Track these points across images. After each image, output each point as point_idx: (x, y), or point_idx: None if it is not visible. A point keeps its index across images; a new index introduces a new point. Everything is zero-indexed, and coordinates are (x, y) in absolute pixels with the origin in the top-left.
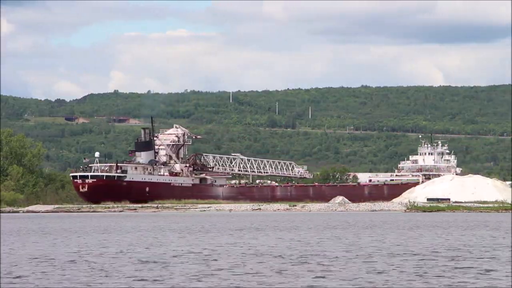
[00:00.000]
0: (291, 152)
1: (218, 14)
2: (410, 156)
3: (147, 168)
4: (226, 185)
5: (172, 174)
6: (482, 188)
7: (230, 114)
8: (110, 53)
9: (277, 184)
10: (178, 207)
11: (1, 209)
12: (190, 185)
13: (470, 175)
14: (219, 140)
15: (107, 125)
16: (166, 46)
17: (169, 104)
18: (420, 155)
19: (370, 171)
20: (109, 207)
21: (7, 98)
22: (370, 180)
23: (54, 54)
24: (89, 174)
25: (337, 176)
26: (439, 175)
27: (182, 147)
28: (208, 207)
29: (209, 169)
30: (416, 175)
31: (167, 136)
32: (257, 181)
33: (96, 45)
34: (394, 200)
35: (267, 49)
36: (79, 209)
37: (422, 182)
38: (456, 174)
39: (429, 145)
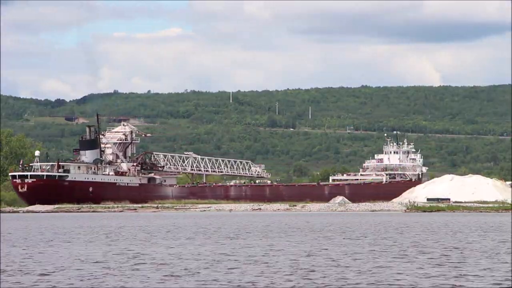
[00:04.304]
0: (291, 152)
1: (198, 13)
2: (375, 155)
3: (91, 168)
4: (175, 185)
5: (118, 173)
6: (482, 188)
7: (230, 114)
8: (98, 52)
9: (231, 183)
10: (178, 207)
11: (1, 209)
12: (137, 185)
13: (470, 175)
14: (219, 140)
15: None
16: (158, 46)
17: (169, 104)
18: (386, 154)
19: None
20: (109, 207)
21: (7, 98)
22: (333, 180)
23: (43, 53)
24: (29, 173)
25: None
26: (404, 175)
27: (129, 146)
28: (208, 207)
29: (159, 169)
30: (379, 175)
31: (114, 134)
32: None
33: (84, 45)
34: (394, 200)
35: (255, 49)
36: (79, 209)
37: (386, 182)
38: (422, 173)
39: (394, 144)
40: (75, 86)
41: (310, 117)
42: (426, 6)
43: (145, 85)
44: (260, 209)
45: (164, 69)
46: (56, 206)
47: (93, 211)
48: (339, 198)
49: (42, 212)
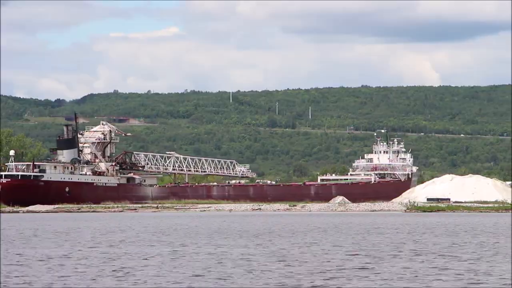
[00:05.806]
0: (291, 152)
1: (194, 13)
2: (365, 155)
3: (67, 167)
4: (155, 185)
5: (96, 173)
6: (482, 188)
7: (230, 114)
8: (95, 52)
9: (213, 183)
10: (178, 207)
11: (1, 209)
12: (116, 185)
13: (470, 175)
14: (219, 140)
15: None
16: (155, 45)
17: (169, 104)
18: (375, 153)
19: None
20: (109, 207)
21: (6, 98)
22: (322, 180)
23: (40, 53)
24: (3, 173)
25: None
26: (394, 174)
27: (108, 145)
28: (208, 207)
29: (139, 168)
30: (368, 174)
31: (93, 134)
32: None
33: (80, 45)
34: (394, 200)
35: (254, 49)
36: (79, 209)
37: (374, 181)
38: (412, 173)
39: (384, 143)
40: (71, 85)
41: (310, 117)
42: (423, 5)
43: (142, 85)
44: (260, 209)
45: (161, 69)
46: (56, 206)
47: (93, 211)
48: (339, 198)
49: (42, 212)
